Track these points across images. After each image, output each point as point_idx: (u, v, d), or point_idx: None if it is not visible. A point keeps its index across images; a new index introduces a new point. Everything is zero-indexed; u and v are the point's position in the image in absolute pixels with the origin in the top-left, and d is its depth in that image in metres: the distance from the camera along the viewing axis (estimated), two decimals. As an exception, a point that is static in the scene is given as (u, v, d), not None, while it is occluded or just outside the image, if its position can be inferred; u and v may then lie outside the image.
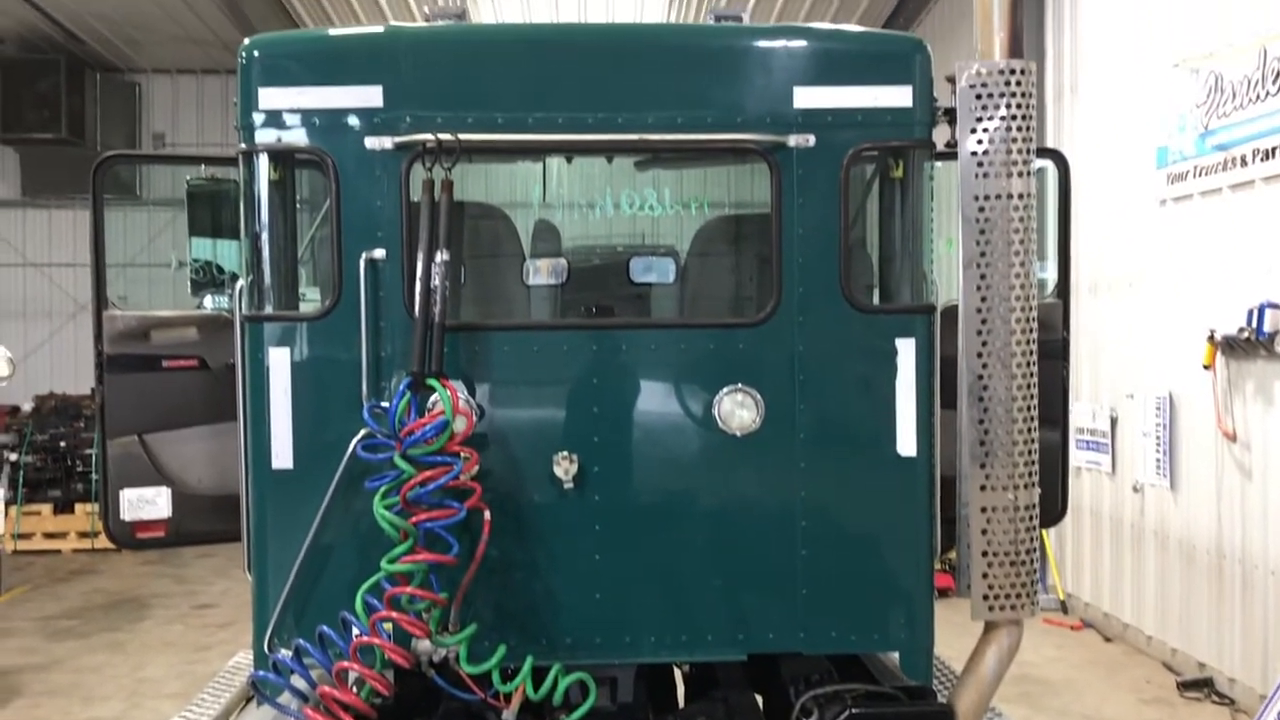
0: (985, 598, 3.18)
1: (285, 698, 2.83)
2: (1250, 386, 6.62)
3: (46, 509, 12.45)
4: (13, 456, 12.63)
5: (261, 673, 2.86)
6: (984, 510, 3.17)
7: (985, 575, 3.18)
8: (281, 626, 3.03)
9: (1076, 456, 8.91)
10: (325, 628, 2.81)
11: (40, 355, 15.64)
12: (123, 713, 6.82)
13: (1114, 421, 8.31)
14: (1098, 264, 8.50)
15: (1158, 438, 7.60)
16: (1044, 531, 9.37)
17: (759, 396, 3.14)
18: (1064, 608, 9.03)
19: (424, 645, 2.91)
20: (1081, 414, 8.78)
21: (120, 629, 9.10)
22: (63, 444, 12.70)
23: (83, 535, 12.46)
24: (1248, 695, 6.51)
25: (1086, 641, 8.37)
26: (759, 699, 3.51)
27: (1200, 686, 6.94)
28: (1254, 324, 6.40)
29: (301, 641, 2.79)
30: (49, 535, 12.38)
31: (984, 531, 3.17)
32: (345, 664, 2.71)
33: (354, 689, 2.75)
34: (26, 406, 13.77)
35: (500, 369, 3.15)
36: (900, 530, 3.21)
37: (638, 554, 3.16)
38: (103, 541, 12.48)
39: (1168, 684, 7.14)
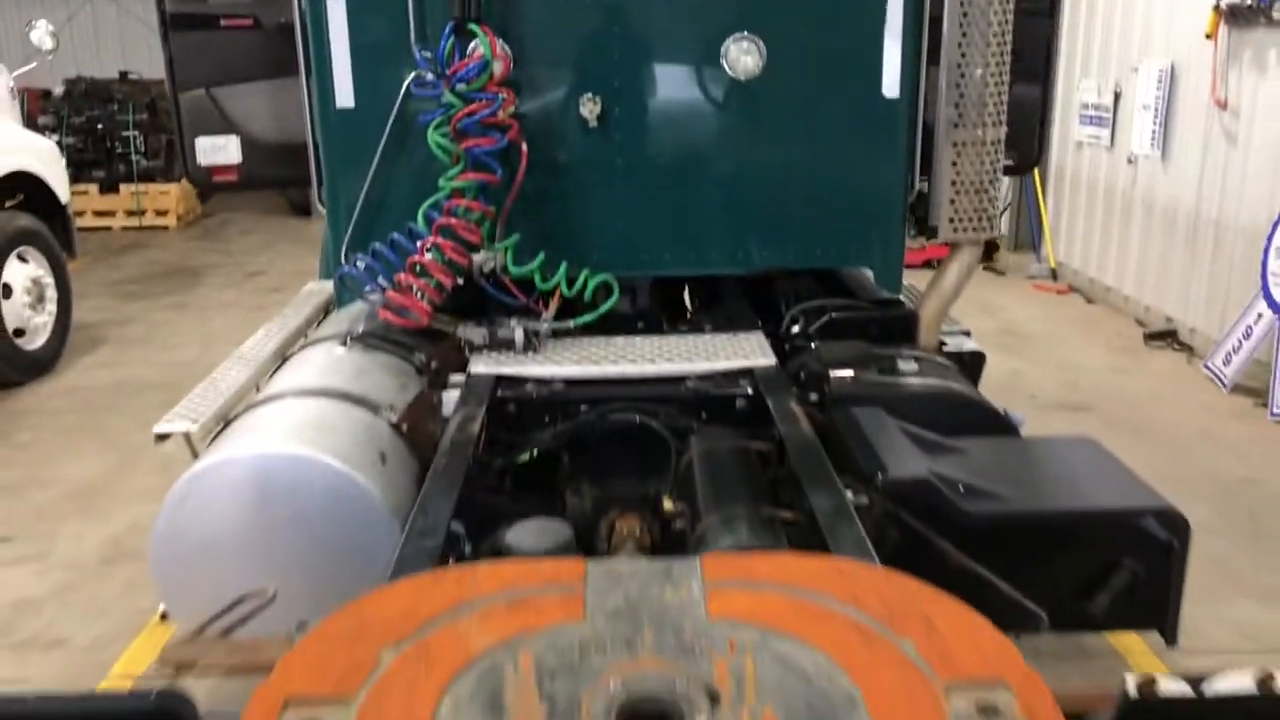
0: (951, 221, 3.71)
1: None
2: (1248, 55, 6.85)
3: (93, 189, 13.01)
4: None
5: (345, 268, 3.46)
6: (955, 145, 3.64)
7: (953, 201, 3.69)
8: (354, 243, 3.60)
9: (1079, 131, 9.25)
10: (396, 235, 3.38)
11: (61, 39, 15.66)
12: (199, 355, 7.67)
13: (1117, 96, 8.56)
14: (1119, -67, 8.44)
15: (1156, 110, 7.89)
16: (1043, 205, 9.85)
17: (761, 44, 3.53)
18: (1054, 275, 9.66)
19: (476, 257, 3.48)
20: (1087, 90, 9.01)
21: (180, 293, 9.90)
22: (100, 126, 13.08)
23: (129, 214, 13.11)
24: (1204, 342, 7.21)
25: (1071, 303, 9.06)
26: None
27: (1164, 337, 7.66)
28: (1258, -9, 6.56)
29: (378, 245, 3.38)
30: (98, 214, 13.01)
31: (954, 164, 3.65)
32: (415, 258, 3.30)
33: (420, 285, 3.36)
34: (57, 90, 14.03)
35: (531, 19, 3.52)
36: (880, 163, 3.68)
37: (654, 185, 3.66)
38: (150, 219, 13.17)
39: (1137, 336, 7.86)
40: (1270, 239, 6.33)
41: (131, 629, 4.18)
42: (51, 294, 7.43)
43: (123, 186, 13.09)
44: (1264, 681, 1.53)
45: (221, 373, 3.64)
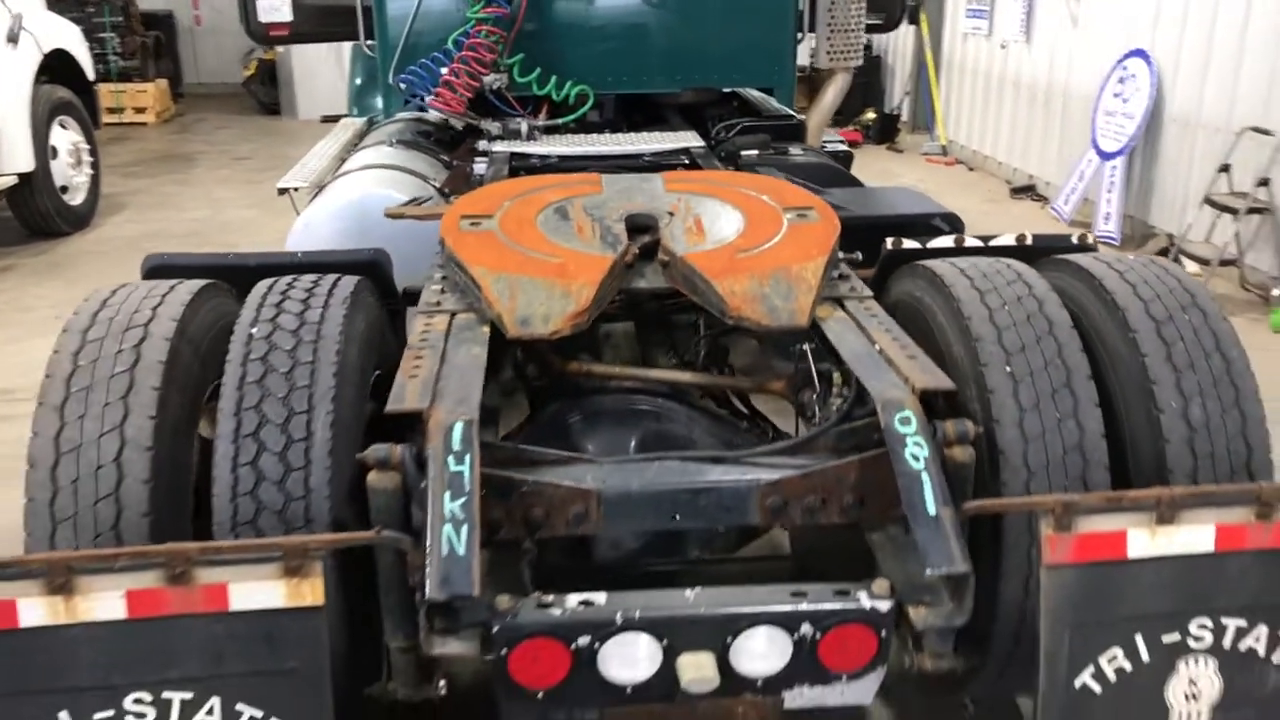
0: (829, 54, 5.20)
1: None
2: (1088, -48, 8.38)
3: (74, 87, 13.92)
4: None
5: (399, 76, 4.82)
6: (830, 5, 5.12)
7: (829, 39, 5.18)
8: (399, 68, 4.95)
9: (965, 24, 10.77)
10: (436, 54, 4.74)
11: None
12: (212, 215, 8.94)
13: (995, -10, 10.08)
14: None
15: (1023, 1, 9.42)
16: (935, 91, 11.37)
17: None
18: (945, 151, 11.24)
19: (488, 78, 4.87)
20: (972, -14, 10.52)
21: (179, 172, 11.06)
22: (80, 28, 13.92)
23: (110, 110, 14.03)
24: (1056, 193, 8.84)
25: (956, 172, 10.66)
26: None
27: (1025, 191, 9.29)
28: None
29: (425, 60, 4.74)
30: (80, 111, 13.95)
31: (829, 10, 5.14)
32: (452, 65, 4.66)
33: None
34: (30, -5, 14.80)
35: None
36: (776, 8, 5.13)
37: (613, 22, 5.06)
38: (129, 116, 14.16)
39: (1004, 192, 9.49)
40: (1098, 99, 7.93)
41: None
42: (87, 158, 8.62)
43: (102, 85, 14.00)
44: (957, 239, 3.07)
45: (306, 159, 5.02)
